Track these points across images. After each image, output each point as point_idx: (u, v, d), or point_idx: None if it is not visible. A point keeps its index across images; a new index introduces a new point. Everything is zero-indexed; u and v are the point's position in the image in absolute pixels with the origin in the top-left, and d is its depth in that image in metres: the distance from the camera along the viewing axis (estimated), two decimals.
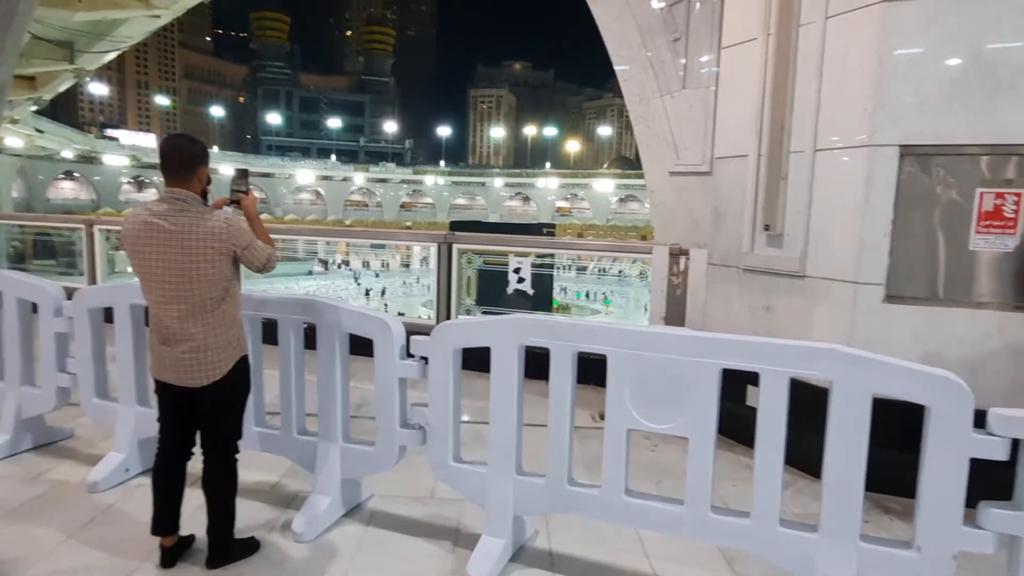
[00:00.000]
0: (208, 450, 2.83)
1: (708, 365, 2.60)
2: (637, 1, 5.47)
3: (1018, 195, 3.46)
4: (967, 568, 2.79)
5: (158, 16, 25.88)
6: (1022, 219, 3.47)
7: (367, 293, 40.50)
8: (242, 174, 2.95)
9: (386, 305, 33.87)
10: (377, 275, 46.87)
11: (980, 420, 2.28)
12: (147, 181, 66.16)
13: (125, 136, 75.67)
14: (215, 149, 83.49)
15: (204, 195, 2.74)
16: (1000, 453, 2.24)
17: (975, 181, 3.54)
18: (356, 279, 44.80)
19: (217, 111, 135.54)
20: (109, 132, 76.96)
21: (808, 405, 2.69)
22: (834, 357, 2.45)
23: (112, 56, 32.08)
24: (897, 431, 2.62)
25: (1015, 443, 2.24)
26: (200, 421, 2.85)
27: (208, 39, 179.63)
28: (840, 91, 3.84)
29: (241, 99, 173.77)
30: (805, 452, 2.79)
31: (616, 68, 5.94)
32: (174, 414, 2.84)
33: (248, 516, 3.20)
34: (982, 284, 3.59)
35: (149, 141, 73.10)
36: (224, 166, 55.09)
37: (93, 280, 7.78)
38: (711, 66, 5.09)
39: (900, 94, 3.60)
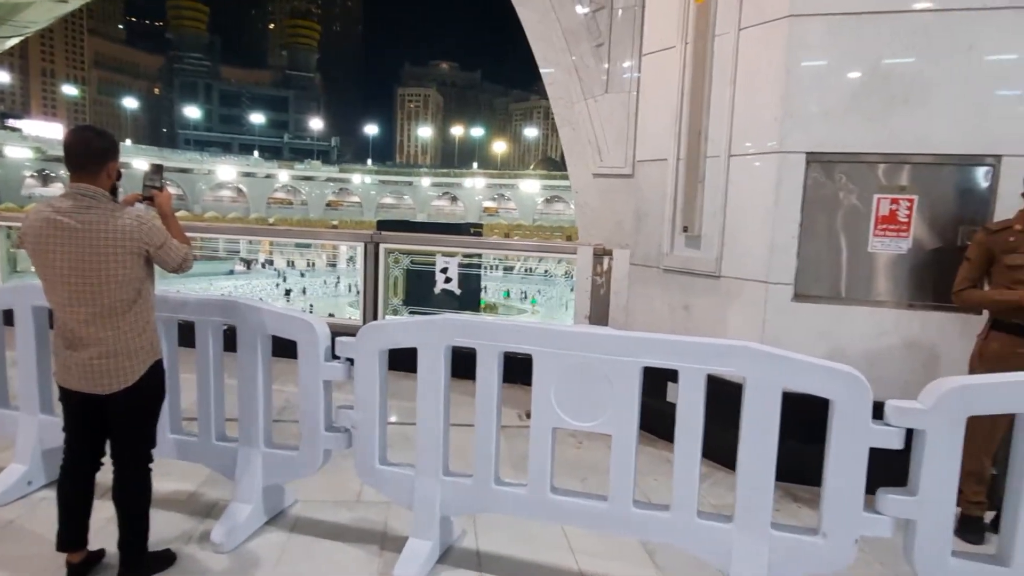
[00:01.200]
0: (119, 460, 2.70)
1: (630, 363, 2.67)
2: (562, 6, 5.56)
3: (911, 201, 3.72)
4: (867, 552, 2.99)
5: (65, 1, 24.46)
6: (915, 224, 3.73)
7: (287, 293, 39.47)
8: (156, 169, 2.84)
9: (311, 306, 33.06)
10: (303, 275, 45.70)
11: (879, 412, 2.44)
12: (53, 175, 62.31)
13: (28, 126, 70.98)
14: (128, 143, 79.04)
15: (114, 191, 2.61)
16: (896, 442, 2.39)
17: (873, 187, 3.78)
18: (282, 278, 43.54)
19: (130, 103, 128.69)
20: (11, 122, 72.03)
21: (724, 400, 2.81)
22: (747, 354, 2.56)
23: (14, 42, 30.12)
24: (805, 423, 2.77)
25: (909, 432, 2.40)
26: (110, 429, 2.71)
27: (120, 27, 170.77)
28: (752, 99, 4.02)
29: (156, 91, 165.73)
30: (721, 445, 2.92)
31: (542, 71, 6.01)
32: (81, 422, 2.70)
33: (163, 528, 3.08)
34: (880, 284, 3.84)
35: (55, 132, 68.77)
36: (137, 160, 52.41)
37: None
38: (632, 72, 5.23)
39: (806, 104, 3.80)
